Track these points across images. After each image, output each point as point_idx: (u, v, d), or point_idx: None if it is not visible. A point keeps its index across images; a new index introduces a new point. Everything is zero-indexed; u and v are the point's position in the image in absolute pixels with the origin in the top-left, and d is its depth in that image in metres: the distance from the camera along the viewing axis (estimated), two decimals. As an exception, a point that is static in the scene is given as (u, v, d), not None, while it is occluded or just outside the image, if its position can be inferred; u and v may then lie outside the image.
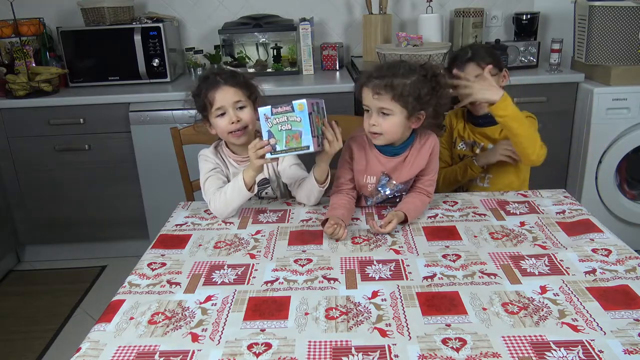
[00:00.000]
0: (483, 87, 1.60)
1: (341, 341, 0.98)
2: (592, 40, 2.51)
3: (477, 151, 1.81)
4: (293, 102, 1.31)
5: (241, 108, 1.53)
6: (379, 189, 1.53)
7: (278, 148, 1.34)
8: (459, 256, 1.27)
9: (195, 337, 1.01)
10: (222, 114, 1.52)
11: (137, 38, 2.65)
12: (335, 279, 1.19)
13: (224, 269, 1.25)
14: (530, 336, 0.97)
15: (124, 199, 2.70)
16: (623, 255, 1.24)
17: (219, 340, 1.00)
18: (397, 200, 1.56)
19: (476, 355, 0.92)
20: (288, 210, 1.56)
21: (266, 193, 1.66)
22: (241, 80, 1.54)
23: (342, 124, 1.84)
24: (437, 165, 1.54)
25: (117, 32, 2.67)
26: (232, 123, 1.51)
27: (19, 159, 2.64)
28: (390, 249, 1.32)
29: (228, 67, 2.77)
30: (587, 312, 1.04)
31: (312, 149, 1.33)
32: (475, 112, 1.79)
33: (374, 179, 1.51)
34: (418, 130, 1.49)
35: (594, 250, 1.27)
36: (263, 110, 1.33)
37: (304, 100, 1.31)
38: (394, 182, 1.51)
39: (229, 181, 1.57)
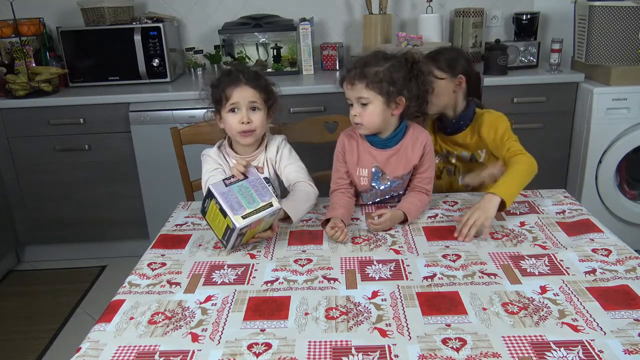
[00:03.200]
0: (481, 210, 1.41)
1: (341, 341, 0.98)
2: (592, 40, 2.51)
3: (453, 161, 1.77)
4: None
5: (254, 110, 1.52)
6: (373, 184, 1.53)
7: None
8: (459, 256, 1.27)
9: (195, 337, 1.01)
10: (234, 110, 1.51)
11: (137, 38, 2.65)
12: (335, 279, 1.19)
13: (224, 269, 1.25)
14: (530, 336, 0.97)
15: (124, 199, 2.70)
16: (623, 255, 1.24)
17: (219, 340, 1.00)
18: (396, 200, 1.56)
19: (476, 355, 0.92)
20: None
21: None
22: (262, 84, 1.53)
23: (343, 125, 1.86)
24: (433, 163, 1.54)
25: (117, 32, 2.67)
26: (243, 123, 1.50)
27: (19, 159, 2.64)
28: (390, 249, 1.32)
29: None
30: (587, 312, 1.04)
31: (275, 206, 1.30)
32: (445, 119, 1.74)
33: (366, 172, 1.52)
34: (409, 124, 1.51)
35: (594, 250, 1.27)
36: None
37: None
38: (388, 176, 1.51)
39: None
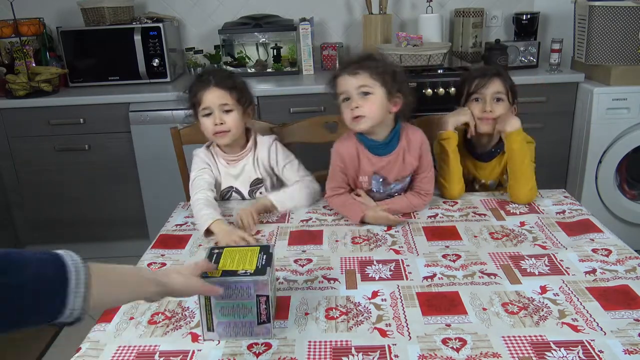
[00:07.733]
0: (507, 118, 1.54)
1: (341, 341, 0.98)
2: (592, 40, 2.51)
3: (477, 187, 1.68)
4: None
5: (227, 112, 1.53)
6: (374, 189, 1.53)
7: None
8: (459, 256, 1.27)
9: (195, 337, 1.01)
10: (208, 114, 1.53)
11: (137, 38, 2.65)
12: (335, 279, 1.19)
13: (224, 269, 1.25)
14: (530, 336, 0.97)
15: (124, 199, 2.70)
16: (623, 255, 1.24)
17: (218, 341, 1.00)
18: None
19: (476, 355, 0.92)
20: (288, 211, 1.56)
21: (260, 193, 1.66)
22: (231, 84, 1.53)
23: (343, 125, 1.84)
24: (430, 162, 1.53)
25: (117, 32, 2.67)
26: (216, 124, 1.52)
27: (19, 159, 2.64)
28: (390, 249, 1.32)
29: (228, 67, 2.77)
30: (587, 312, 1.03)
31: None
32: (479, 143, 1.65)
33: (367, 178, 1.52)
34: (403, 126, 1.50)
35: (594, 250, 1.27)
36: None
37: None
38: (389, 181, 1.52)
39: (216, 182, 1.60)
